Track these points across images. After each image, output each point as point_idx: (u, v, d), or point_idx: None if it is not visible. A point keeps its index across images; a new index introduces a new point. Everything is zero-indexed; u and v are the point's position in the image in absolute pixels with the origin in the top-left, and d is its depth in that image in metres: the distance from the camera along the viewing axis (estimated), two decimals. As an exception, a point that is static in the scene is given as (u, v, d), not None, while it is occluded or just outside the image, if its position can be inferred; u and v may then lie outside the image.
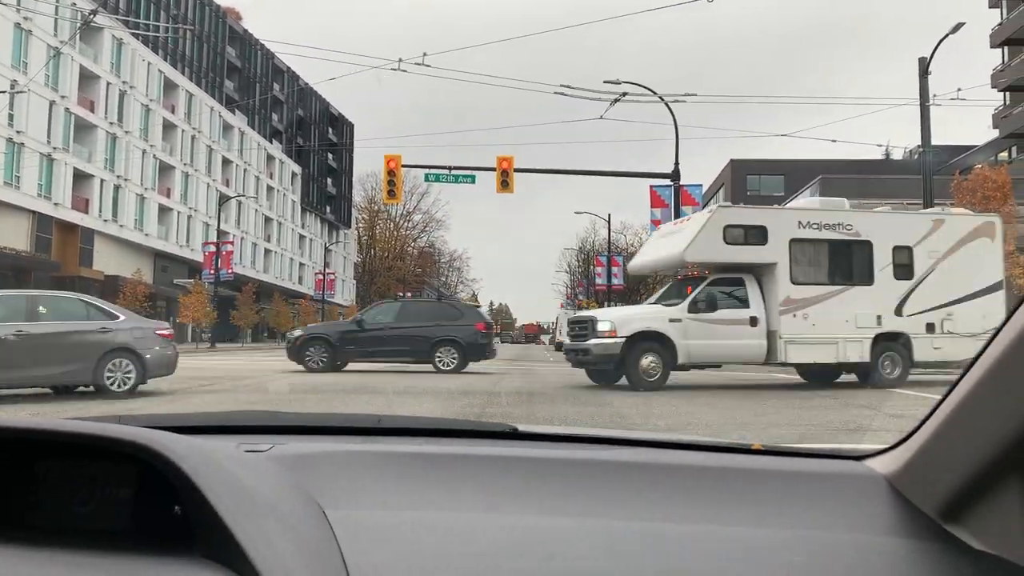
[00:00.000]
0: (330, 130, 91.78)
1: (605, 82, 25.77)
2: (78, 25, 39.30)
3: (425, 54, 22.41)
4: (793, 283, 13.83)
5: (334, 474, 1.11)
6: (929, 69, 23.27)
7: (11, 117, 40.41)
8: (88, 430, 0.92)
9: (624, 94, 25.52)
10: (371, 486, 1.10)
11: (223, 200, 53.30)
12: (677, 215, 28.53)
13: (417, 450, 1.23)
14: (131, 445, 0.89)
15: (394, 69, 23.06)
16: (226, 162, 65.49)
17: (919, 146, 24.73)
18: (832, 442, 7.38)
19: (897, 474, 1.13)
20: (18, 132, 40.99)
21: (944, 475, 1.03)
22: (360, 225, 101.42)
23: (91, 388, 11.22)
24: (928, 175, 23.29)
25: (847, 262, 14.22)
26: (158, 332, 11.95)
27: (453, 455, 1.23)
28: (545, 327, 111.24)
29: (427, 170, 30.60)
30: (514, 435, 1.40)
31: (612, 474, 1.17)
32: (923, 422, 1.11)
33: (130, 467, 0.94)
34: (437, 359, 18.09)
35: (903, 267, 14.17)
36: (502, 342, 65.95)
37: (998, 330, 0.95)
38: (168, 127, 56.31)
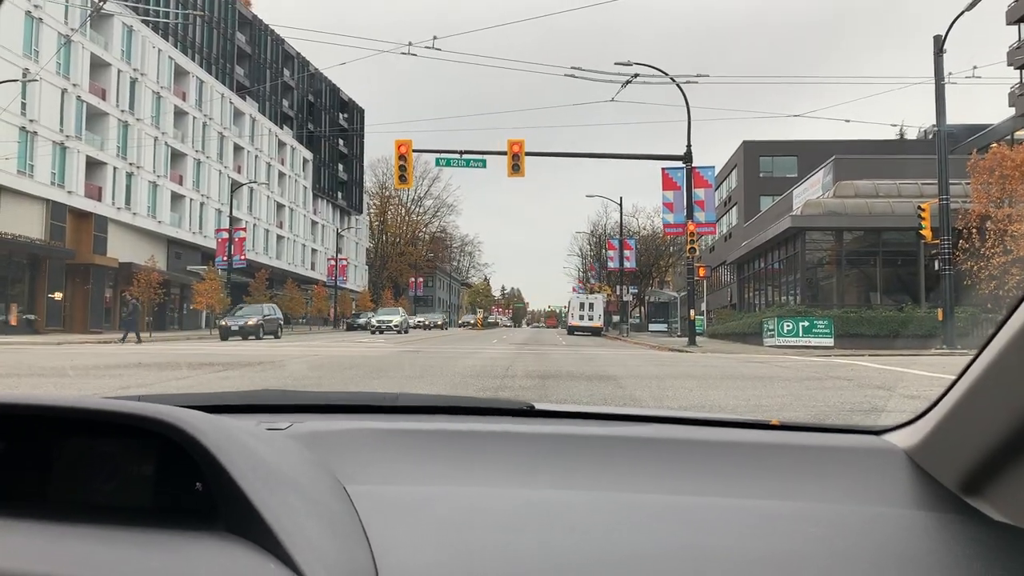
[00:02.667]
0: (341, 116, 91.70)
1: (616, 64, 25.63)
2: (89, 12, 39.35)
3: (435, 37, 22.32)
4: None
5: (354, 451, 1.12)
6: (944, 47, 23.02)
7: (24, 106, 40.56)
8: (111, 407, 0.93)
9: (635, 76, 25.36)
10: (390, 462, 1.10)
11: (235, 187, 53.42)
12: (690, 197, 28.46)
13: (435, 427, 1.24)
14: (154, 422, 0.90)
15: (404, 53, 22.96)
16: (237, 149, 65.56)
17: (934, 125, 24.51)
18: (848, 422, 7.35)
19: (916, 448, 1.13)
20: (31, 121, 41.14)
21: (963, 448, 1.03)
22: (372, 211, 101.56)
23: None
24: (943, 155, 23.09)
25: None
26: None
27: (471, 432, 1.23)
28: (560, 314, 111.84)
29: (438, 155, 30.62)
30: (531, 412, 1.41)
31: (630, 449, 1.17)
32: (941, 397, 1.11)
33: (150, 445, 0.94)
34: None
35: None
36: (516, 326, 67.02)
37: (1016, 304, 0.94)
38: (179, 114, 56.39)
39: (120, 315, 51.18)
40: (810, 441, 1.23)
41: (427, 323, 71.40)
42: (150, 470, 0.97)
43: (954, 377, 1.08)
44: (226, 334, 34.47)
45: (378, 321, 49.68)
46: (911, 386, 10.99)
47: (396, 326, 48.71)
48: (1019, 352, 0.92)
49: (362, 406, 1.44)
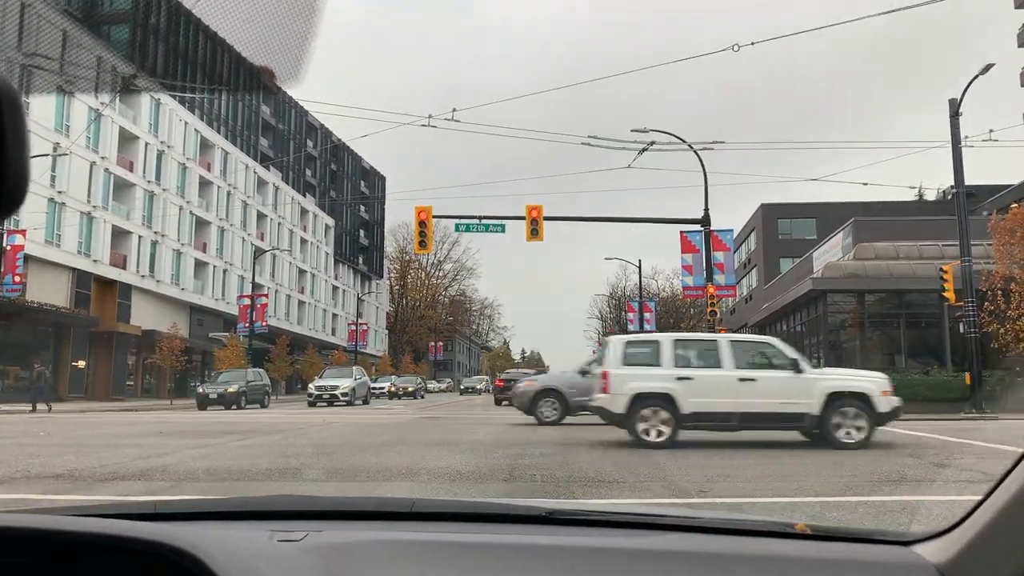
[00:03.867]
0: (362, 183, 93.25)
1: (632, 131, 25.93)
2: (118, 89, 40.55)
3: (455, 110, 22.78)
4: None
5: (367, 564, 1.09)
6: (960, 110, 23.16)
7: (53, 178, 41.58)
8: (116, 531, 0.92)
9: (651, 143, 25.64)
10: None
11: (258, 254, 54.10)
12: (708, 260, 28.45)
13: (450, 539, 1.21)
14: (162, 547, 0.88)
15: (424, 125, 23.41)
16: (261, 216, 66.64)
17: (952, 186, 24.51)
18: (877, 494, 7.20)
19: (949, 564, 1.07)
20: (59, 192, 42.13)
21: (1002, 567, 0.97)
22: (392, 275, 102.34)
23: None
24: (963, 216, 23.01)
25: None
26: None
27: (487, 544, 1.20)
28: None
29: (457, 220, 30.91)
30: (548, 520, 1.37)
31: (648, 564, 1.13)
32: (978, 506, 1.05)
33: (162, 562, 0.93)
34: None
35: None
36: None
37: None
38: (204, 184, 57.56)
39: (142, 383, 51.49)
40: (836, 553, 1.18)
41: (395, 390, 51.65)
42: None
43: (990, 485, 1.03)
44: (204, 403, 31.28)
45: (318, 388, 34.33)
46: (940, 454, 10.74)
47: (346, 395, 33.72)
48: None
49: (377, 512, 1.41)
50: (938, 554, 1.10)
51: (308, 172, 79.81)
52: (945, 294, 24.14)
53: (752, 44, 18.10)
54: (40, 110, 40.33)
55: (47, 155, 37.91)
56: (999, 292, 25.25)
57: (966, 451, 11.17)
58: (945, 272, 24.13)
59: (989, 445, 11.65)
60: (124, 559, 0.96)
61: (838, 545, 1.22)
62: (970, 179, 23.73)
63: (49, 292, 40.97)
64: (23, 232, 36.61)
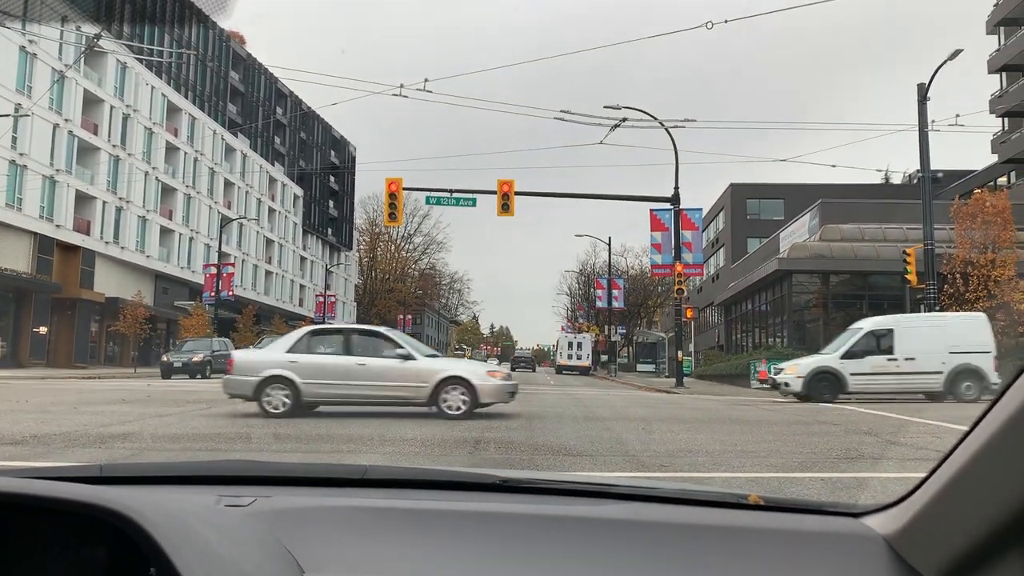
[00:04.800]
0: (332, 153, 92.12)
1: (605, 107, 25.89)
2: (82, 49, 39.57)
3: (426, 79, 22.55)
4: None
5: (316, 531, 1.09)
6: (928, 95, 23.39)
7: (14, 140, 40.58)
8: (55, 493, 0.91)
9: (624, 119, 25.62)
10: (354, 544, 1.07)
11: (225, 222, 53.34)
12: (677, 238, 28.62)
13: (402, 505, 1.21)
14: (99, 510, 0.87)
15: (395, 95, 23.16)
16: (228, 184, 65.65)
17: (918, 170, 24.82)
18: (833, 470, 7.34)
19: (897, 535, 1.09)
20: (21, 154, 41.12)
21: (946, 538, 0.99)
22: (361, 247, 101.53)
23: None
24: (927, 200, 23.34)
25: None
26: None
27: (439, 511, 1.20)
28: (549, 353, 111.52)
29: (428, 193, 30.74)
30: (502, 487, 1.38)
31: (601, 532, 1.14)
32: (925, 480, 1.07)
33: (105, 526, 0.92)
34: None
35: None
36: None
37: (1004, 389, 0.91)
38: (171, 150, 56.51)
39: (105, 350, 50.80)
40: (788, 524, 1.20)
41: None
42: (103, 552, 0.94)
43: (937, 461, 1.05)
44: (168, 371, 30.52)
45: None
46: (897, 432, 10.98)
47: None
48: (1006, 441, 0.89)
49: (329, 479, 1.41)
50: (886, 525, 1.13)
51: (277, 140, 78.65)
52: (907, 276, 24.52)
53: (726, 22, 18.10)
54: (2, 69, 39.25)
55: (8, 116, 36.94)
56: (958, 276, 25.75)
57: (921, 430, 11.43)
58: (908, 255, 24.50)
59: (943, 424, 11.93)
60: (66, 524, 0.95)
61: (789, 516, 1.24)
62: (936, 164, 24.06)
63: (9, 257, 40.13)
64: (-18, 195, 35.73)
